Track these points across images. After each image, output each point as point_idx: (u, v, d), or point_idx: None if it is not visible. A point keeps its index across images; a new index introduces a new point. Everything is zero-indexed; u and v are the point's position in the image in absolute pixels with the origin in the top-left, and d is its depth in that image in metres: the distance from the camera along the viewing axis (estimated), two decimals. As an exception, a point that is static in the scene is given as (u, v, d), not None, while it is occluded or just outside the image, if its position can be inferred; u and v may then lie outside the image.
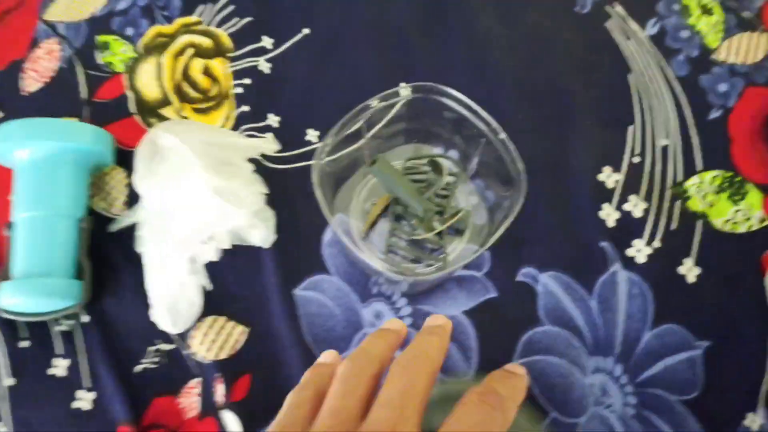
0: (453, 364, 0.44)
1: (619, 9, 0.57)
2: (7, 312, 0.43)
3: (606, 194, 0.49)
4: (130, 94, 0.55)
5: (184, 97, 0.54)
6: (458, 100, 0.44)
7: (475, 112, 0.44)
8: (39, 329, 0.45)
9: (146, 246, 0.43)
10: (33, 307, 0.43)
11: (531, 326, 0.45)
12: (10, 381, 0.43)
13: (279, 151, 0.51)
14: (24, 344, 0.45)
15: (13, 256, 0.44)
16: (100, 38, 0.57)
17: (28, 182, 0.45)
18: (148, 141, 0.44)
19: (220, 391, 0.42)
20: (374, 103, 0.45)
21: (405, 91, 0.45)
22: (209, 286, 0.45)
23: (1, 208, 0.49)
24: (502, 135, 0.43)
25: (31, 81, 0.55)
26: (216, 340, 0.44)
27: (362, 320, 0.45)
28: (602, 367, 0.43)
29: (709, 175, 0.49)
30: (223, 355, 0.43)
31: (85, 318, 0.45)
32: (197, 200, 0.41)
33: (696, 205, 0.48)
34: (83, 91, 0.55)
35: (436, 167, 0.49)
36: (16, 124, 0.46)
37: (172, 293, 0.41)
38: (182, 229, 0.41)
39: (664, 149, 0.51)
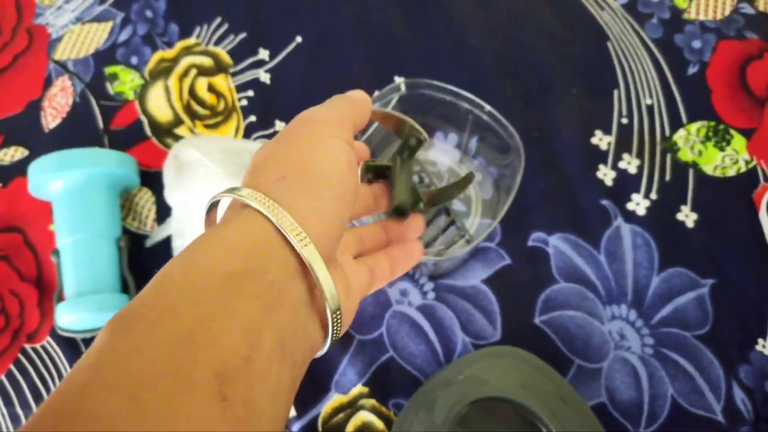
0: (480, 329, 0.47)
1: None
2: (65, 330, 0.46)
3: (600, 156, 0.52)
4: (143, 119, 0.58)
5: (194, 115, 0.57)
6: (440, 89, 0.47)
7: (458, 95, 0.47)
8: (93, 345, 0.48)
9: (182, 241, 0.46)
10: (87, 322, 0.46)
11: (546, 285, 0.48)
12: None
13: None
14: (81, 360, 0.48)
15: (63, 279, 0.47)
16: (109, 69, 0.60)
17: (66, 210, 0.48)
18: (172, 157, 0.47)
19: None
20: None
21: (396, 90, 0.48)
22: None
23: (45, 237, 0.52)
24: (488, 108, 0.46)
25: (51, 118, 0.58)
26: (258, 334, 0.47)
27: (390, 298, 0.48)
28: (617, 314, 0.47)
29: (694, 126, 0.52)
30: (267, 347, 0.47)
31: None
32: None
33: (686, 155, 0.51)
34: (100, 121, 0.58)
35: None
36: (47, 159, 0.49)
37: None
38: None
39: (650, 108, 0.54)
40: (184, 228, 0.48)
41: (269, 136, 0.55)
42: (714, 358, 0.45)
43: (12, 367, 0.48)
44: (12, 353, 0.49)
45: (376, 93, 0.48)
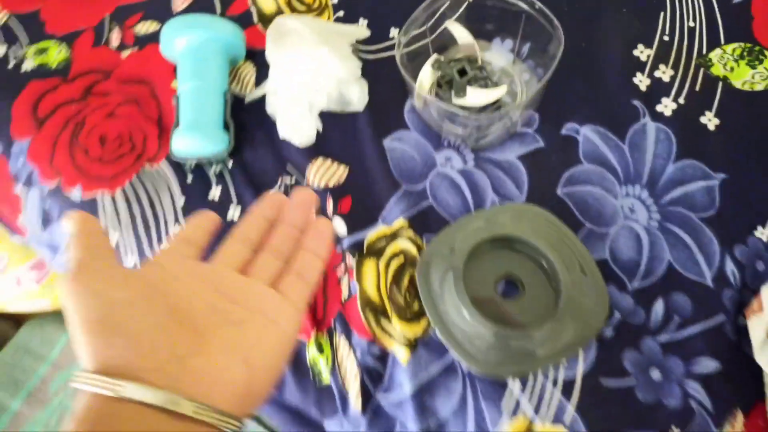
0: (509, 192, 0.55)
1: None
2: (176, 156, 0.58)
3: (639, 65, 0.58)
4: (253, 9, 0.69)
5: (293, 9, 0.68)
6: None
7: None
8: (199, 172, 0.60)
9: (274, 98, 0.57)
10: (195, 148, 0.57)
11: (572, 165, 0.55)
12: (181, 200, 0.59)
13: (368, 43, 0.63)
14: (189, 180, 0.60)
15: (180, 116, 0.59)
16: (229, -31, 0.72)
17: (188, 63, 0.60)
18: (275, 25, 0.57)
19: (330, 206, 0.55)
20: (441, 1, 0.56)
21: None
22: (321, 129, 0.58)
23: (168, 91, 0.64)
24: (538, 4, 0.53)
25: (179, 3, 0.71)
26: (325, 175, 0.57)
27: (436, 162, 0.57)
28: (631, 193, 0.53)
29: (730, 47, 0.57)
30: (331, 184, 0.56)
31: (230, 163, 0.60)
32: (311, 62, 0.54)
33: (718, 70, 0.56)
34: (218, 8, 0.69)
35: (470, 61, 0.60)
36: (177, 20, 0.60)
37: (297, 119, 0.55)
38: (302, 80, 0.54)
39: (692, 29, 0.59)
40: (278, 87, 0.58)
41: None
42: (713, 236, 0.50)
43: (135, 179, 0.61)
44: (135, 169, 0.61)
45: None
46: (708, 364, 0.46)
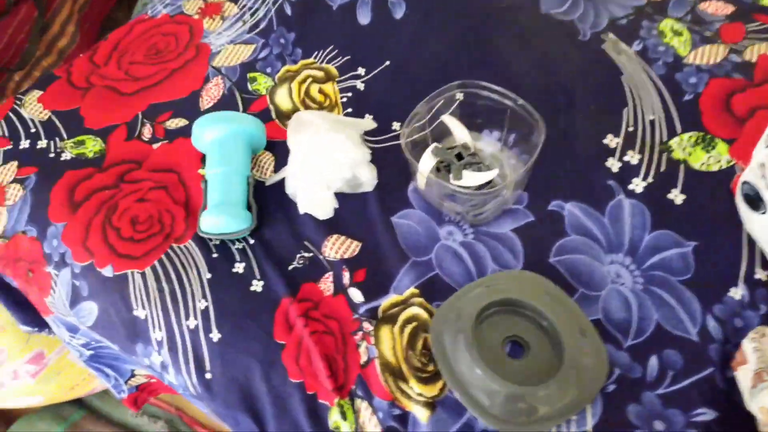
0: (507, 261, 0.58)
1: (611, 35, 0.75)
2: (204, 233, 0.61)
3: (610, 151, 0.64)
4: (271, 108, 0.75)
5: (307, 107, 0.75)
6: (486, 87, 0.62)
7: (498, 92, 0.61)
8: (223, 247, 0.63)
9: (294, 180, 0.62)
10: (221, 226, 0.61)
11: (561, 237, 0.59)
12: (208, 275, 0.61)
13: (373, 136, 0.69)
14: (214, 255, 0.62)
15: (207, 197, 0.63)
16: (250, 75, 0.79)
17: (216, 152, 0.65)
18: (294, 118, 0.64)
19: (346, 278, 0.58)
20: (438, 99, 0.63)
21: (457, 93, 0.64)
22: (336, 206, 0.62)
23: (194, 177, 0.68)
24: (520, 101, 0.60)
25: (206, 102, 0.77)
26: (341, 249, 0.60)
27: (439, 235, 0.61)
28: (615, 260, 0.57)
29: (686, 135, 0.64)
30: (346, 257, 0.60)
31: (251, 240, 0.63)
32: (328, 147, 0.59)
33: (678, 155, 0.63)
34: (240, 107, 0.76)
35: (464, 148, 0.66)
36: (208, 116, 0.66)
37: (316, 196, 0.59)
38: (320, 162, 0.59)
39: (652, 122, 0.66)
40: (297, 170, 0.63)
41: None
42: (693, 297, 0.54)
43: (163, 257, 0.63)
44: (163, 248, 0.64)
45: (436, 91, 0.63)
46: (706, 414, 0.48)
